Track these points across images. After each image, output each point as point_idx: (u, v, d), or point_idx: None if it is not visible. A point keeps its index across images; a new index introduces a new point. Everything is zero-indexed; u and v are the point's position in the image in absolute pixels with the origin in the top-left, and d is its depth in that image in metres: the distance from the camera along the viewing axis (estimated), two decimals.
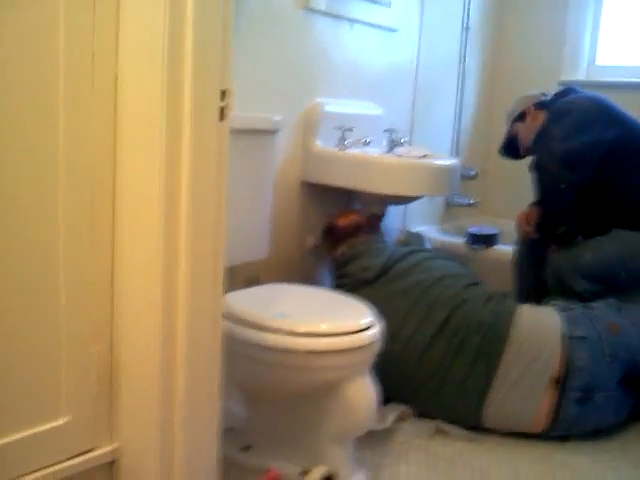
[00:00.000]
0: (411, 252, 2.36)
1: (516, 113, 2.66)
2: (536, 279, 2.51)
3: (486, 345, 2.06)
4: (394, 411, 2.09)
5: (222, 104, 1.28)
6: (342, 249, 2.35)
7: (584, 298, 2.27)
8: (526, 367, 2.02)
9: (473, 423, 2.06)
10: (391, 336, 1.85)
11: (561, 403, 1.99)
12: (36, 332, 1.23)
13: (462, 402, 2.06)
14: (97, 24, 1.21)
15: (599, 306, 2.17)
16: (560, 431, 2.03)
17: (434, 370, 2.08)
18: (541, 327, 2.07)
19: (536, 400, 2.00)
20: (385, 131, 2.63)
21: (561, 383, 2.00)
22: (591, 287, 2.31)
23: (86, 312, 1.29)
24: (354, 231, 2.39)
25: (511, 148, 2.71)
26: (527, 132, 2.60)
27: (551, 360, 2.01)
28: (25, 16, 1.12)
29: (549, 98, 2.62)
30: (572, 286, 2.32)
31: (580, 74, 3.52)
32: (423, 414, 2.14)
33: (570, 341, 2.02)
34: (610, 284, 2.32)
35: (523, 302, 2.51)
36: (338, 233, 2.42)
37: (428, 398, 2.10)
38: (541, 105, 2.60)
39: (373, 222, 2.49)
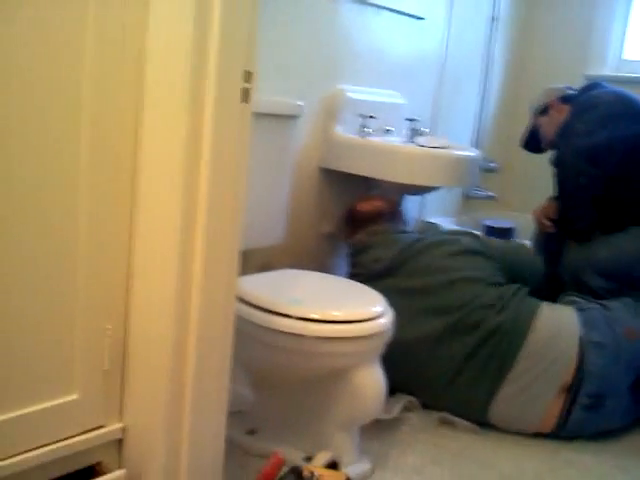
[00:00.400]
0: (429, 246, 2.23)
1: (540, 106, 2.64)
2: (551, 275, 2.49)
3: (502, 348, 2.02)
4: (400, 401, 2.09)
5: (246, 85, 1.27)
6: (360, 236, 2.31)
7: (599, 295, 2.25)
8: (539, 371, 1.99)
9: (479, 420, 2.06)
10: (400, 331, 1.85)
11: (570, 408, 1.98)
12: (51, 307, 1.23)
13: (470, 399, 2.05)
14: None
15: (617, 307, 2.12)
16: (567, 433, 2.02)
17: (445, 368, 2.06)
18: (560, 332, 2.02)
19: (545, 404, 1.99)
20: (406, 120, 2.61)
21: (572, 389, 1.98)
22: (606, 284, 2.29)
23: (102, 289, 1.30)
24: (375, 218, 2.34)
25: (533, 141, 2.69)
26: (550, 126, 2.57)
27: (565, 366, 1.98)
28: None
29: (574, 92, 2.59)
30: (587, 282, 2.31)
31: (607, 68, 3.48)
32: (429, 406, 2.13)
33: (587, 346, 1.99)
34: (625, 281, 2.30)
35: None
36: (359, 218, 2.37)
37: (436, 392, 2.09)
38: (566, 99, 2.57)
39: (395, 209, 2.44)
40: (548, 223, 2.53)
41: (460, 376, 2.04)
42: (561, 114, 2.53)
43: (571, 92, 2.60)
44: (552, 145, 2.58)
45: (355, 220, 2.39)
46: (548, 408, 1.99)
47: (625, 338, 2.03)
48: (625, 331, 2.04)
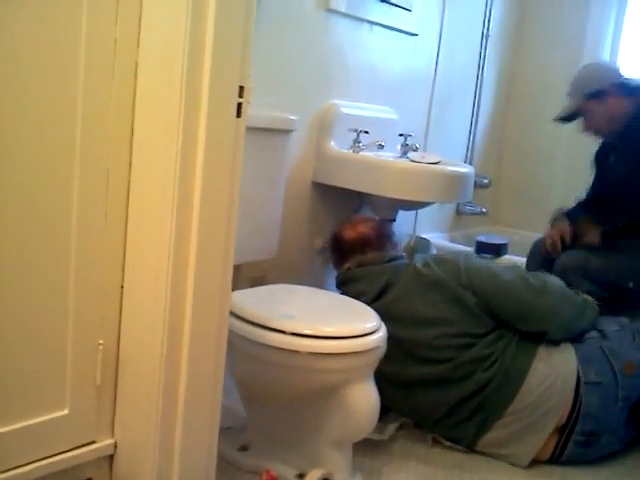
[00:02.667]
0: (416, 290, 2.05)
1: (592, 89, 2.43)
2: None
3: (491, 401, 1.95)
4: (394, 422, 2.07)
5: (240, 100, 1.27)
6: (349, 264, 2.19)
7: None
8: (531, 421, 1.94)
9: (470, 449, 2.03)
10: (391, 366, 1.86)
11: (565, 446, 1.95)
12: (44, 322, 1.23)
13: (460, 437, 2.01)
14: (120, 12, 1.21)
15: (615, 334, 2.05)
16: (561, 464, 1.99)
17: (437, 407, 2.00)
18: (555, 383, 1.93)
19: (537, 443, 1.95)
20: (399, 135, 2.62)
21: (567, 428, 1.94)
22: (596, 290, 2.24)
23: (94, 304, 1.29)
24: (361, 246, 2.20)
25: (570, 119, 2.55)
26: (604, 115, 2.43)
27: (560, 410, 1.93)
28: (48, 3, 1.12)
29: (631, 81, 2.44)
30: (576, 288, 2.23)
31: None
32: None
33: (584, 387, 1.92)
34: (617, 292, 2.30)
35: None
36: (344, 247, 2.24)
37: (428, 422, 2.05)
38: (624, 89, 2.42)
39: (382, 233, 2.27)
40: (559, 247, 2.47)
41: (451, 416, 1.99)
42: (619, 107, 2.40)
43: (628, 81, 2.44)
44: (600, 134, 2.49)
45: (340, 249, 2.26)
46: (541, 447, 1.95)
47: (623, 374, 1.96)
48: (624, 365, 1.98)
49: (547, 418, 1.93)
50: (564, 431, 1.94)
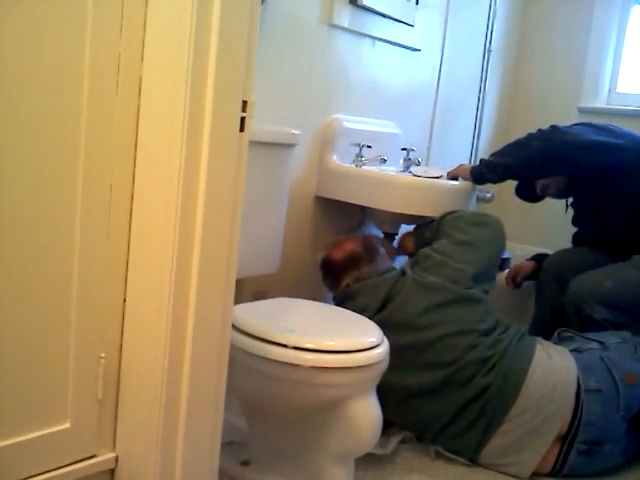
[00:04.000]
0: (414, 294, 2.05)
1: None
2: (556, 305, 2.49)
3: (492, 406, 1.95)
4: (396, 436, 2.06)
5: (243, 115, 1.28)
6: (346, 281, 2.14)
7: (602, 327, 2.24)
8: (531, 427, 1.93)
9: (472, 461, 2.01)
10: (394, 376, 1.87)
11: (567, 455, 1.94)
12: (46, 335, 1.23)
13: (461, 446, 2.00)
14: (124, 26, 1.22)
15: (615, 346, 2.06)
16: (564, 476, 1.97)
17: (438, 416, 2.00)
18: (554, 389, 1.94)
19: (539, 452, 1.94)
20: (402, 150, 2.63)
21: (568, 437, 1.93)
22: (611, 316, 2.26)
23: (96, 318, 1.29)
24: (353, 263, 2.16)
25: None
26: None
27: (560, 419, 1.92)
28: (53, 15, 1.13)
29: None
30: (591, 315, 2.28)
31: (600, 101, 3.51)
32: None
33: (584, 395, 1.92)
34: (630, 312, 2.29)
35: (539, 328, 2.51)
36: (337, 269, 2.19)
37: (429, 434, 2.05)
38: None
39: (371, 246, 2.24)
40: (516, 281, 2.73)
41: (452, 425, 1.99)
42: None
43: None
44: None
45: (333, 271, 2.21)
46: (543, 456, 1.94)
47: (624, 383, 1.96)
48: (625, 375, 1.97)
49: (548, 425, 1.92)
50: (566, 440, 1.93)
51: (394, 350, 1.79)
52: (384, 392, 1.78)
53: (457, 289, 2.04)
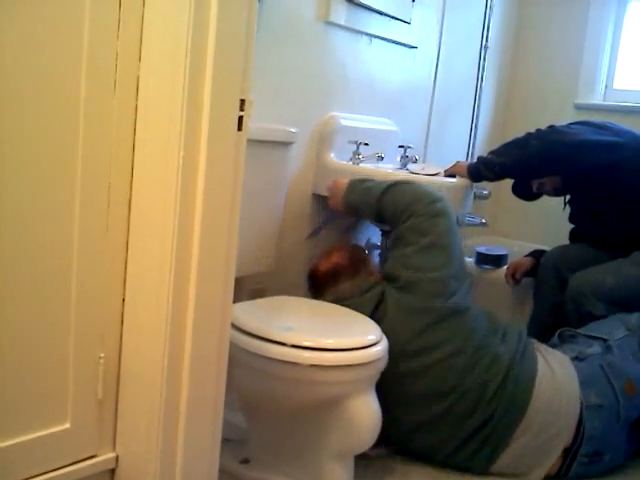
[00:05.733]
0: (401, 315, 1.94)
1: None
2: (555, 301, 2.50)
3: (496, 434, 1.91)
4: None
5: (241, 113, 1.28)
6: (327, 298, 2.04)
7: None
8: (538, 443, 1.91)
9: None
10: (397, 413, 1.86)
11: (569, 467, 1.93)
12: (45, 335, 1.23)
13: (468, 468, 1.97)
14: (122, 26, 1.22)
15: (620, 344, 2.02)
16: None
17: (445, 444, 1.95)
18: (560, 403, 1.91)
19: (545, 468, 1.93)
20: (399, 147, 2.63)
21: (571, 451, 1.92)
22: (610, 312, 2.25)
23: (95, 317, 1.29)
24: (334, 277, 2.07)
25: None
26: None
27: (566, 434, 1.90)
28: (50, 14, 1.13)
29: None
30: (591, 311, 2.27)
31: (596, 97, 3.52)
32: None
33: (586, 411, 1.90)
34: (631, 308, 2.27)
35: (538, 325, 2.51)
36: (318, 281, 2.12)
37: (436, 459, 2.00)
38: None
39: (357, 259, 2.14)
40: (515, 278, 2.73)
41: (460, 451, 1.94)
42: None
43: None
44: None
45: (314, 284, 2.14)
46: (545, 469, 1.94)
47: (624, 394, 1.94)
48: (625, 386, 1.95)
49: (554, 442, 1.91)
50: (569, 453, 1.92)
51: (393, 381, 1.78)
52: (390, 425, 1.77)
53: (442, 305, 1.93)
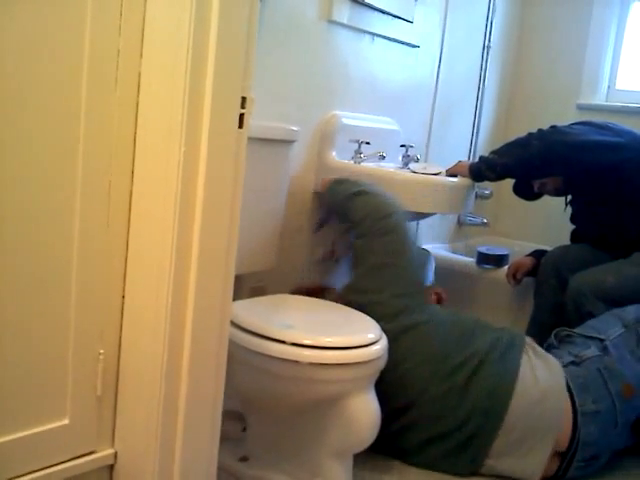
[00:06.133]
0: None
1: None
2: (555, 301, 2.49)
3: (474, 439, 1.90)
4: None
5: (242, 111, 1.28)
6: None
7: None
8: (520, 451, 1.90)
9: None
10: None
11: (566, 470, 1.91)
12: (45, 331, 1.23)
13: (458, 471, 1.95)
14: (123, 22, 1.21)
15: (616, 343, 2.00)
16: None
17: (417, 450, 1.96)
18: (542, 413, 1.88)
19: (538, 465, 1.91)
20: (401, 146, 2.63)
21: (567, 455, 1.90)
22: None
23: (95, 314, 1.29)
24: None
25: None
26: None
27: (552, 435, 1.88)
28: (52, 11, 1.13)
29: None
30: (591, 311, 2.26)
31: (599, 97, 3.51)
32: None
33: (582, 417, 1.88)
34: None
35: (538, 325, 2.50)
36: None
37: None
38: None
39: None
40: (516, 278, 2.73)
41: (441, 457, 1.94)
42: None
43: None
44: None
45: None
46: (542, 468, 1.91)
47: (622, 397, 1.92)
48: (623, 389, 1.93)
49: (538, 446, 1.89)
50: (565, 458, 1.90)
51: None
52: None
53: (390, 326, 1.87)
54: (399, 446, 1.98)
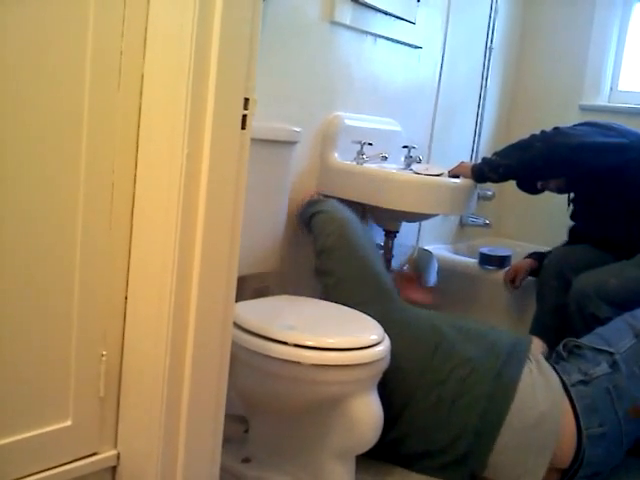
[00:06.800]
0: None
1: None
2: (558, 303, 2.48)
3: (471, 454, 1.85)
4: None
5: (245, 112, 1.28)
6: None
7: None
8: (517, 470, 1.84)
9: None
10: None
11: None
12: (47, 333, 1.23)
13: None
14: (126, 24, 1.21)
15: (626, 358, 1.91)
16: None
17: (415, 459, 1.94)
18: (537, 437, 1.82)
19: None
20: (403, 147, 2.62)
21: (569, 472, 1.85)
22: (615, 314, 2.18)
23: (98, 315, 1.29)
24: None
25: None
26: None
27: (549, 450, 1.81)
28: (55, 12, 1.13)
29: None
30: (594, 313, 2.24)
31: (602, 99, 3.51)
32: None
33: (587, 440, 1.81)
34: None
35: (541, 327, 2.49)
36: None
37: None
38: None
39: None
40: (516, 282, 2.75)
41: (439, 469, 1.90)
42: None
43: None
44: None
45: None
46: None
47: (628, 418, 1.86)
48: (630, 410, 1.86)
49: (534, 465, 1.83)
50: (566, 475, 1.86)
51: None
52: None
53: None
54: (398, 455, 1.96)
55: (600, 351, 1.96)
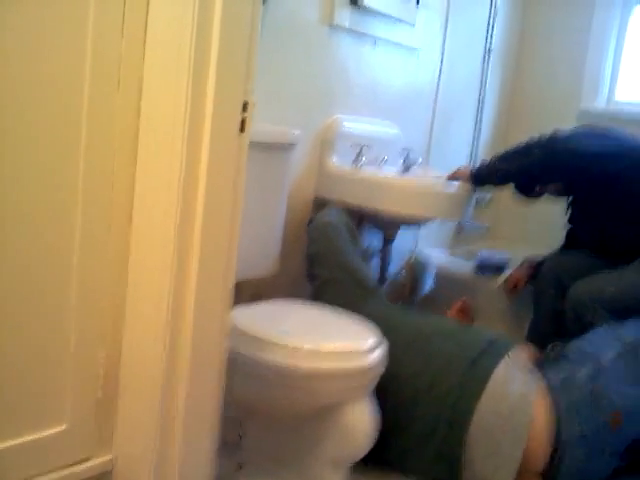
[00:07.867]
0: None
1: None
2: (555, 310, 2.48)
3: (446, 448, 1.83)
4: None
5: (243, 115, 1.27)
6: None
7: None
8: (490, 465, 1.80)
9: None
10: None
11: None
12: (46, 335, 1.22)
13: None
14: (126, 26, 1.21)
15: (610, 370, 1.89)
16: None
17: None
18: (509, 430, 1.79)
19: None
20: (402, 150, 2.62)
21: (549, 476, 1.80)
22: (614, 320, 2.19)
23: (96, 318, 1.29)
24: None
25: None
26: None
27: (520, 443, 1.77)
28: (55, 14, 1.12)
29: None
30: (592, 321, 2.21)
31: (600, 103, 3.51)
32: None
33: (567, 440, 1.78)
34: (634, 315, 2.26)
35: (537, 334, 2.47)
36: None
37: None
38: None
39: None
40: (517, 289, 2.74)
41: (421, 466, 1.90)
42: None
43: None
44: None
45: None
46: None
47: (609, 428, 1.82)
48: (611, 419, 1.82)
49: (508, 460, 1.79)
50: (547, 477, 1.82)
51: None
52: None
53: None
54: (384, 455, 1.92)
55: (586, 355, 1.95)
